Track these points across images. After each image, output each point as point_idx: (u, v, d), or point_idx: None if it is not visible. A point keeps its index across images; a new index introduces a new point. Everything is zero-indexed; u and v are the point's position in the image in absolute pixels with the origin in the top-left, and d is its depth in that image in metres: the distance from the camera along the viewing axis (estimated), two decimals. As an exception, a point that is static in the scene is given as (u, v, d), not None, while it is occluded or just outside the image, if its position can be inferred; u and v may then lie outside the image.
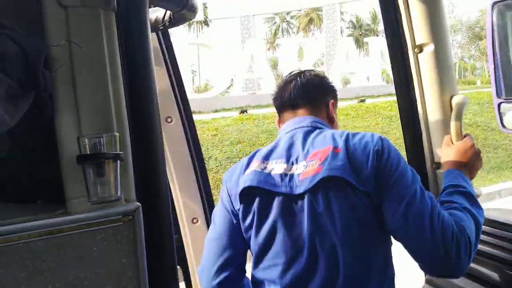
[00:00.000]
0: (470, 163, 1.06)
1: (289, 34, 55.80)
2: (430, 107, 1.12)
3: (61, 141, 0.62)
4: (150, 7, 0.90)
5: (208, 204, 1.43)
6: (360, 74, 16.26)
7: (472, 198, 1.00)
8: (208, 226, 1.35)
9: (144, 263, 0.65)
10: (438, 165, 1.16)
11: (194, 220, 1.42)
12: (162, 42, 1.32)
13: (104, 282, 0.64)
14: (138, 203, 0.66)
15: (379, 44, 16.72)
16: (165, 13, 0.92)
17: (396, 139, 8.94)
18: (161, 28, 0.99)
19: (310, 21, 51.96)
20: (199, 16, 26.93)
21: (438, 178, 1.17)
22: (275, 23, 56.52)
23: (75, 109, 0.63)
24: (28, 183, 0.70)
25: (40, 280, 0.59)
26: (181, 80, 1.40)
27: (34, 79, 0.60)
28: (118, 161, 0.64)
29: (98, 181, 0.63)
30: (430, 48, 1.08)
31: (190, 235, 1.43)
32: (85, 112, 0.63)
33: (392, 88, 15.41)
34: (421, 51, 1.09)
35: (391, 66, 1.19)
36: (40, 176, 0.69)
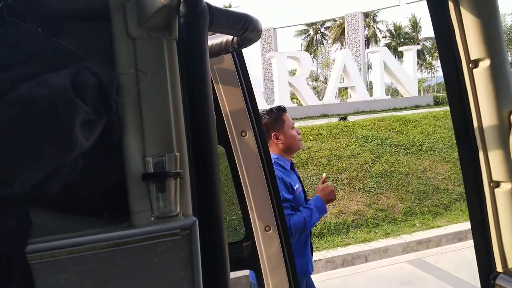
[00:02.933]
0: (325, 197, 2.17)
1: (323, 46, 54.61)
2: (486, 123, 1.07)
3: (127, 160, 0.68)
4: (214, 34, 1.01)
5: (279, 213, 1.49)
6: (361, 88, 14.99)
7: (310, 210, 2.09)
8: (279, 233, 1.47)
9: (199, 276, 0.68)
10: (497, 183, 1.10)
11: (267, 228, 1.48)
12: (238, 64, 1.40)
13: None
14: (195, 218, 0.69)
15: (381, 55, 15.42)
16: (233, 37, 0.97)
17: (365, 163, 7.87)
18: (230, 50, 1.03)
19: (343, 31, 50.53)
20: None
21: (497, 197, 1.11)
22: (309, 34, 55.66)
23: (141, 132, 0.68)
24: (97, 198, 0.74)
25: None
26: (254, 97, 1.47)
27: (107, 106, 0.64)
28: (178, 179, 0.68)
29: (160, 197, 0.66)
30: (486, 63, 1.02)
31: (263, 241, 1.48)
32: (149, 134, 0.69)
33: (394, 102, 14.16)
34: (476, 66, 1.04)
35: (445, 82, 1.14)
36: (107, 191, 0.74)
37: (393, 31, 55.22)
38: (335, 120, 10.68)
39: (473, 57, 1.04)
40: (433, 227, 6.38)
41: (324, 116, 13.43)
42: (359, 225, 6.47)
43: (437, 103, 15.22)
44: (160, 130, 0.69)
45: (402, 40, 53.85)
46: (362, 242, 5.96)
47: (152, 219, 0.67)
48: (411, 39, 54.32)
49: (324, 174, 2.32)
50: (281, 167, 2.23)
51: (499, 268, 1.14)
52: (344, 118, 9.81)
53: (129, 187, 0.67)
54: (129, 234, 0.65)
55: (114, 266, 0.64)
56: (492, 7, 1.00)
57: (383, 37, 54.87)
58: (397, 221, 6.60)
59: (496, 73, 1.03)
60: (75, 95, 0.59)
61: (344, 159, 8.03)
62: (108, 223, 0.68)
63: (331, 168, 7.70)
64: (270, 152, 2.20)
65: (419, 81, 33.98)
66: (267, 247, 1.49)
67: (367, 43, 51.27)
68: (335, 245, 5.85)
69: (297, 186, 2.25)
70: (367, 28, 52.87)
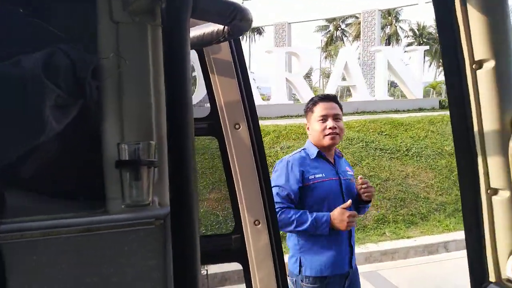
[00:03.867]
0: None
1: (343, 43, 53.60)
2: (487, 128, 1.02)
3: (105, 145, 0.67)
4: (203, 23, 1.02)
5: (269, 208, 1.47)
6: (362, 87, 14.35)
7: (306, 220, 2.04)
8: (269, 228, 1.46)
9: (171, 266, 0.67)
10: (494, 191, 1.05)
11: (256, 222, 1.47)
12: (235, 54, 1.38)
13: (133, 281, 0.67)
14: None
15: (385, 54, 14.76)
16: (224, 26, 0.96)
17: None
18: (221, 40, 1.02)
19: (363, 29, 49.36)
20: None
21: (494, 204, 1.06)
22: (329, 31, 54.73)
23: (120, 118, 0.67)
24: (75, 182, 0.73)
25: (78, 273, 0.64)
26: (250, 89, 1.44)
27: (81, 89, 0.64)
28: (152, 168, 0.67)
29: (133, 185, 0.66)
30: (490, 65, 0.97)
31: (251, 236, 1.48)
32: (128, 121, 0.68)
33: (396, 104, 13.58)
34: (480, 67, 0.99)
35: (446, 83, 1.09)
36: (85, 176, 0.72)
37: (416, 30, 53.67)
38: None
39: (477, 57, 1.00)
40: (403, 238, 6.03)
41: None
42: (325, 231, 6.19)
43: (443, 106, 14.52)
44: (140, 117, 0.69)
45: (425, 40, 52.27)
46: (323, 249, 5.68)
47: (122, 206, 0.66)
48: (435, 40, 52.68)
49: (349, 201, 2.05)
50: (303, 156, 2.20)
51: (492, 278, 1.11)
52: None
53: (105, 173, 0.67)
54: (101, 220, 0.65)
55: (85, 251, 0.64)
56: (501, 5, 0.95)
57: (405, 36, 53.41)
58: (367, 228, 6.28)
59: (501, 75, 0.98)
60: (46, 78, 0.59)
61: (323, 160, 7.72)
62: (84, 208, 0.67)
63: (308, 169, 7.42)
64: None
65: (438, 83, 32.83)
66: (256, 241, 1.49)
67: (388, 42, 50.02)
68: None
69: (320, 175, 2.13)
70: (388, 27, 51.60)
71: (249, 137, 1.44)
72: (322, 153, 2.22)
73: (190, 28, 1.02)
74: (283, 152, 7.86)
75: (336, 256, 2.12)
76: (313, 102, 2.27)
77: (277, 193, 2.06)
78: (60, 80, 0.61)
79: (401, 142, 8.59)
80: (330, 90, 14.28)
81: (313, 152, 2.20)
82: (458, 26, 1.01)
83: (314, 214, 2.05)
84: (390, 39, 50.54)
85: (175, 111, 0.67)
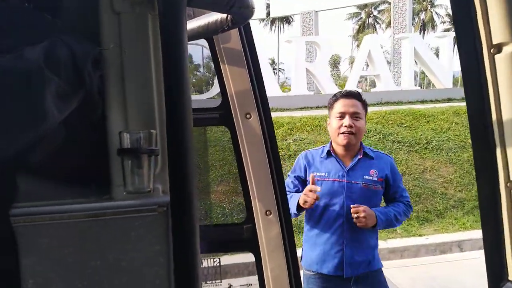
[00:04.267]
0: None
1: (375, 30, 51.91)
2: (506, 117, 0.97)
3: (109, 134, 0.69)
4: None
5: (281, 198, 1.48)
6: (387, 76, 13.67)
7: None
8: (280, 219, 1.47)
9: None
10: None
11: (268, 212, 1.47)
12: (245, 43, 1.36)
13: (139, 266, 0.69)
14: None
15: (411, 42, 14.00)
16: (227, 15, 0.94)
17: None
18: (226, 29, 1.01)
19: (397, 15, 47.47)
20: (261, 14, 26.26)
21: None
22: (360, 18, 53.13)
23: (123, 107, 0.69)
24: (82, 170, 0.74)
25: (83, 257, 0.66)
26: (261, 78, 1.42)
27: (81, 79, 0.65)
28: (153, 156, 0.69)
29: (134, 173, 0.67)
30: (510, 48, 0.91)
31: (263, 226, 1.49)
32: (131, 110, 0.70)
33: (423, 94, 12.96)
34: (499, 51, 0.94)
35: (462, 69, 1.02)
36: (91, 164, 0.74)
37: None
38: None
39: (495, 41, 0.93)
40: (414, 235, 5.77)
41: (344, 105, 12.62)
42: (332, 227, 6.02)
43: (474, 96, 13.68)
44: (142, 106, 0.70)
45: (463, 25, 49.65)
46: (328, 246, 5.55)
47: (124, 193, 0.68)
48: (474, 25, 49.94)
49: (312, 175, 2.06)
50: (316, 152, 2.24)
51: (511, 276, 1.05)
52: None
53: (110, 161, 0.69)
54: (106, 206, 0.68)
55: (92, 236, 0.67)
56: None
57: (441, 22, 50.94)
58: (377, 225, 6.05)
59: None
60: (47, 69, 0.60)
61: (336, 153, 7.50)
62: (91, 194, 0.70)
63: (319, 163, 7.23)
64: None
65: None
66: (267, 231, 1.50)
67: (423, 28, 47.98)
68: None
69: (322, 174, 2.12)
70: (423, 13, 49.42)
71: (260, 127, 1.42)
72: (332, 153, 2.19)
73: (195, 18, 1.03)
74: (295, 145, 7.70)
75: (322, 255, 2.10)
76: (335, 98, 2.22)
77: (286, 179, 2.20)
78: (61, 70, 0.62)
79: (421, 135, 8.18)
80: (352, 79, 13.77)
81: (325, 149, 2.22)
82: (475, 7, 0.93)
83: (296, 194, 2.13)
84: (426, 25, 48.43)
85: (172, 99, 0.67)
